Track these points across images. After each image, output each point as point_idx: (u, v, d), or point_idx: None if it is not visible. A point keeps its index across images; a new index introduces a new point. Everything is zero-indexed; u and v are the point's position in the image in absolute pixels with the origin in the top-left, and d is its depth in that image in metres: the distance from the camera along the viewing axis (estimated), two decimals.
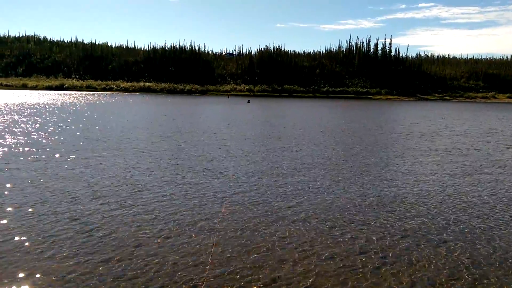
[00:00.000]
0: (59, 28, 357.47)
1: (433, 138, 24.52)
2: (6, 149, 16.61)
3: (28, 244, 7.30)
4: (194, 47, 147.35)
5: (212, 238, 7.77)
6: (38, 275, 6.20)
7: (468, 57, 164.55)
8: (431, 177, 13.64)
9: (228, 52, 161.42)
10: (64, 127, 25.38)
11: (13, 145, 17.51)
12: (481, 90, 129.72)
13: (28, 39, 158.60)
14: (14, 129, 23.41)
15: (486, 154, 18.85)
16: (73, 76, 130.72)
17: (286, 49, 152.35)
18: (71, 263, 6.62)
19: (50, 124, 26.62)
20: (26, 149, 16.70)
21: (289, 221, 8.91)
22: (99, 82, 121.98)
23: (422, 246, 7.75)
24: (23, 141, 18.90)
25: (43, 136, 20.91)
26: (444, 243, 7.93)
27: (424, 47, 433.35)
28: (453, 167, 15.37)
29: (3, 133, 21.56)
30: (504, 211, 10.03)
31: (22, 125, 25.66)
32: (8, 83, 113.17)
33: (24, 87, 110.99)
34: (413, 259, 7.17)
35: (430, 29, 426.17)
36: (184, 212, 9.24)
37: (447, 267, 6.88)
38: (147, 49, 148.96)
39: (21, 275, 6.20)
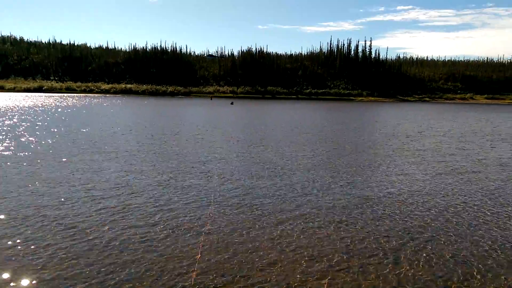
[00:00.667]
0: (36, 29, 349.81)
1: (420, 139, 24.95)
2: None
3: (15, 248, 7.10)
4: (176, 48, 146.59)
5: (199, 241, 7.71)
6: (24, 279, 6.04)
7: (446, 59, 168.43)
8: (420, 176, 13.88)
9: (209, 54, 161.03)
10: (54, 130, 24.84)
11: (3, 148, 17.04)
12: (459, 91, 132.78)
13: (4, 40, 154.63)
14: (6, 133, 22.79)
15: (472, 154, 19.30)
16: (52, 78, 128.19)
17: (268, 50, 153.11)
18: (56, 266, 6.47)
19: (37, 128, 26.01)
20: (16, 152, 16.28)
21: (276, 222, 8.92)
22: (79, 83, 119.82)
23: (410, 245, 7.87)
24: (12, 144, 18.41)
25: (31, 140, 20.42)
26: (432, 241, 8.07)
27: (403, 49, 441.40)
28: (442, 166, 15.69)
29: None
30: (492, 208, 10.28)
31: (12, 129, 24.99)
32: None
33: (1, 89, 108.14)
34: (401, 258, 7.27)
35: (409, 32, 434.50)
36: (170, 215, 9.15)
37: (437, 267, 7.00)
38: (128, 50, 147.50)
39: (11, 279, 6.03)
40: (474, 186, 12.71)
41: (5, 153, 16.26)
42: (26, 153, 16.21)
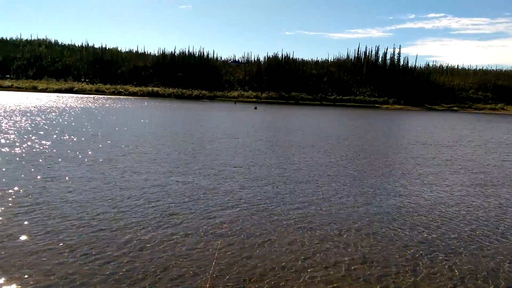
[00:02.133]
0: (70, 32, 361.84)
1: (453, 149, 24.41)
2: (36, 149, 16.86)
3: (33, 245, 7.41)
4: (203, 53, 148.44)
5: (216, 244, 7.82)
6: (40, 276, 6.30)
7: (478, 68, 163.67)
8: (456, 187, 13.61)
9: (234, 60, 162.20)
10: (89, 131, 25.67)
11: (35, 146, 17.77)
12: (489, 101, 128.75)
13: (39, 43, 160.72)
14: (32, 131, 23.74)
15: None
16: (82, 80, 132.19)
17: (294, 56, 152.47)
18: (75, 263, 6.71)
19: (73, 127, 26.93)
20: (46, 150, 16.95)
21: (293, 228, 8.95)
22: (108, 86, 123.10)
23: (431, 256, 7.75)
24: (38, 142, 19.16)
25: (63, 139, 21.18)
26: (454, 253, 7.91)
27: (433, 57, 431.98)
28: (478, 178, 15.34)
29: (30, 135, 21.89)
30: None
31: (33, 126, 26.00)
32: (18, 85, 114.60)
33: (34, 89, 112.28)
34: (419, 269, 7.17)
35: (439, 40, 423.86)
36: (190, 216, 9.32)
37: (453, 280, 6.87)
38: (157, 54, 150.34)
39: (25, 276, 6.30)
40: None
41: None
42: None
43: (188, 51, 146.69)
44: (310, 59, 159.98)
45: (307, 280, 6.55)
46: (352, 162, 18.21)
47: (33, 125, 27.12)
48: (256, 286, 6.31)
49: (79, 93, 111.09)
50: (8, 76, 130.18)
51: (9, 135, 21.18)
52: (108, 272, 6.49)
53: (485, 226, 9.73)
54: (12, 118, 30.84)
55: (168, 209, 9.80)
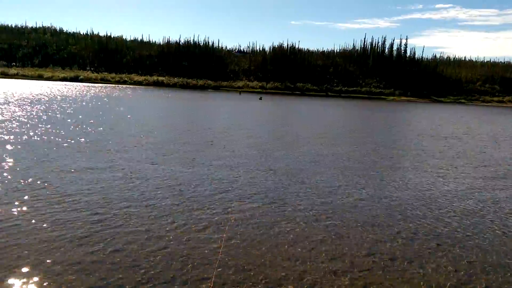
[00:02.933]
0: (75, 20, 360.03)
1: (462, 141, 24.26)
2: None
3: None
4: (208, 42, 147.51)
5: (222, 234, 7.82)
6: (48, 263, 6.32)
7: (485, 60, 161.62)
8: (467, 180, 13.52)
9: (238, 50, 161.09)
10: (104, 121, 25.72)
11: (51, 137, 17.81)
12: (497, 94, 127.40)
13: (44, 30, 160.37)
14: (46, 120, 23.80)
15: None
16: (88, 68, 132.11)
17: (300, 47, 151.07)
18: (81, 252, 6.73)
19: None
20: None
21: (300, 220, 8.92)
22: (113, 74, 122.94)
23: (434, 249, 7.70)
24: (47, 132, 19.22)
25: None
26: (459, 246, 7.86)
27: (440, 48, 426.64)
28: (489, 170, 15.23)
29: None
30: None
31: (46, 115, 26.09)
32: (24, 73, 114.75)
33: (40, 77, 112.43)
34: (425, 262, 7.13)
35: (447, 31, 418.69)
36: (196, 206, 9.32)
37: (459, 272, 6.83)
38: (161, 43, 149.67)
39: (30, 262, 6.33)
40: None
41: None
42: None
43: (193, 40, 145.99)
44: (316, 49, 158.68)
45: (312, 272, 6.53)
46: (362, 153, 18.12)
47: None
48: (261, 279, 6.30)
49: (85, 82, 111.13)
50: (14, 64, 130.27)
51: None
52: (113, 262, 6.50)
53: (495, 219, 9.64)
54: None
55: (174, 198, 9.80)
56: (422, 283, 6.36)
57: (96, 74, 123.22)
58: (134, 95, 62.28)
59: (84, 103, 38.15)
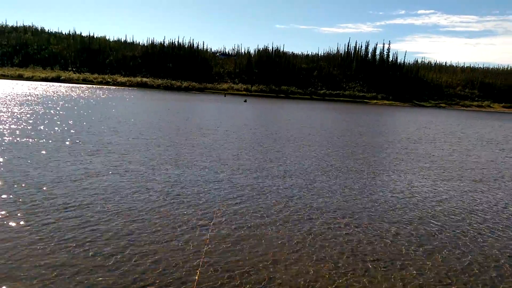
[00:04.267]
0: (57, 20, 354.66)
1: (446, 144, 24.70)
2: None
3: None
4: (193, 44, 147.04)
5: (206, 236, 7.77)
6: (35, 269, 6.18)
7: (465, 66, 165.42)
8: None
9: (222, 53, 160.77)
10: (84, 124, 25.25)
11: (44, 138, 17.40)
12: (476, 98, 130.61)
13: (25, 30, 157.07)
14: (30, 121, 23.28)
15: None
16: (69, 69, 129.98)
17: (285, 50, 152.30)
18: (64, 255, 6.60)
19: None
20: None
21: (283, 221, 8.93)
22: (96, 75, 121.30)
23: (419, 250, 7.82)
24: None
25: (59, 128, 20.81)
26: (440, 247, 8.00)
27: (421, 53, 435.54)
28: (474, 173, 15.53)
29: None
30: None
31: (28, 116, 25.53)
32: (3, 73, 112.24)
33: (20, 77, 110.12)
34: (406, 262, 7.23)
35: (429, 36, 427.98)
36: (179, 209, 9.25)
37: (442, 272, 6.94)
38: (146, 44, 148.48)
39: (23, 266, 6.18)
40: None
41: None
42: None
43: (178, 41, 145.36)
44: (300, 52, 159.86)
45: (298, 274, 6.55)
46: (346, 156, 18.29)
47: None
48: (246, 278, 6.28)
49: (66, 82, 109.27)
50: None
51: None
52: (96, 265, 6.39)
53: (485, 221, 9.84)
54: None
55: (157, 200, 9.70)
56: None
57: (78, 75, 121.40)
58: (130, 98, 61.47)
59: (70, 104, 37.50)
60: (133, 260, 6.62)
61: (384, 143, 24.19)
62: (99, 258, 6.58)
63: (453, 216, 10.14)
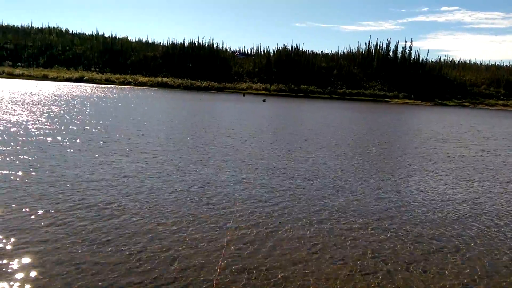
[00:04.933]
0: (81, 21, 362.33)
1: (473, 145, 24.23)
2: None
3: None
4: (213, 44, 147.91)
5: (225, 235, 7.86)
6: (48, 262, 6.39)
7: (490, 64, 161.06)
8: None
9: (241, 52, 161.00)
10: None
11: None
12: (501, 97, 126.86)
13: (50, 31, 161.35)
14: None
15: None
16: (92, 69, 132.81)
17: (304, 49, 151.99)
18: (84, 252, 6.80)
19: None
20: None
21: (303, 222, 8.96)
22: (118, 75, 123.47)
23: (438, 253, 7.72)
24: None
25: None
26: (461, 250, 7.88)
27: (445, 51, 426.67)
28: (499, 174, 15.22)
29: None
30: None
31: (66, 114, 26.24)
32: (29, 74, 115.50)
33: (45, 78, 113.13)
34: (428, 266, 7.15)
35: (452, 33, 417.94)
36: (200, 207, 9.38)
37: (461, 276, 6.84)
38: (166, 44, 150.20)
39: (29, 260, 6.41)
40: None
41: None
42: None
43: (198, 41, 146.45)
44: (320, 51, 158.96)
45: (315, 274, 6.57)
46: (369, 157, 18.15)
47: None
48: (265, 279, 6.34)
49: (89, 83, 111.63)
50: (20, 64, 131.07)
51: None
52: (117, 262, 6.56)
53: (500, 224, 9.64)
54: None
55: (178, 199, 9.87)
56: None
57: (100, 75, 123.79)
58: (153, 99, 62.38)
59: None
60: (152, 259, 6.76)
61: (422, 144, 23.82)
62: (119, 256, 6.75)
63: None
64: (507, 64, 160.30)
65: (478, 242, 8.43)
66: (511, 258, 7.71)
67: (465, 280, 6.71)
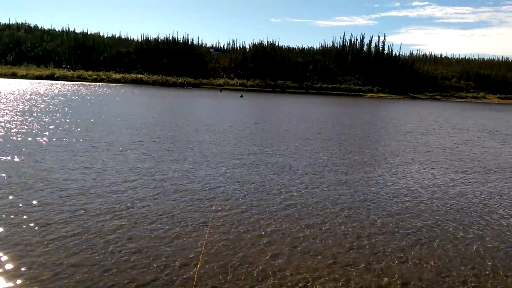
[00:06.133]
0: (50, 17, 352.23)
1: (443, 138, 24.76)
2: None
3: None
4: (188, 39, 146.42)
5: (204, 233, 7.76)
6: (32, 267, 6.15)
7: (460, 57, 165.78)
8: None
9: (216, 48, 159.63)
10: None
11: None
12: (471, 90, 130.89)
13: (18, 27, 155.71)
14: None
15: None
16: (64, 66, 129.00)
17: (280, 44, 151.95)
18: (62, 255, 6.57)
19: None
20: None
21: (280, 216, 8.94)
22: (90, 72, 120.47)
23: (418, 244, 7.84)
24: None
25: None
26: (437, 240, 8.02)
27: (417, 45, 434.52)
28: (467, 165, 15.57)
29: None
30: None
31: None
32: None
33: (14, 75, 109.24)
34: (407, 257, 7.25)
35: (423, 28, 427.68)
36: (179, 205, 9.23)
37: (439, 265, 6.97)
38: (140, 40, 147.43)
39: (20, 267, 6.15)
40: None
41: None
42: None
43: (172, 37, 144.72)
44: (295, 46, 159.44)
45: (295, 268, 6.55)
46: (342, 150, 18.31)
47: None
48: (244, 275, 6.28)
49: (60, 80, 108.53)
50: None
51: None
52: (95, 263, 6.37)
53: (474, 213, 9.89)
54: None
55: (156, 197, 9.68)
56: None
57: (72, 72, 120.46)
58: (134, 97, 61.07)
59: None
60: (133, 256, 6.59)
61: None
62: (97, 257, 6.55)
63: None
64: (476, 57, 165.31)
65: None
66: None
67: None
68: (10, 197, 9.14)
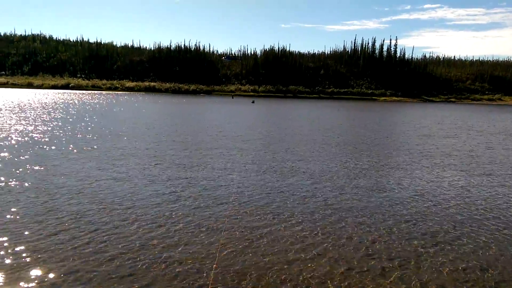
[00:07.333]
0: (65, 27, 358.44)
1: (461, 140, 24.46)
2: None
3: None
4: (199, 47, 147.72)
5: (218, 238, 7.78)
6: (43, 268, 6.24)
7: (474, 59, 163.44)
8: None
9: (227, 55, 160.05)
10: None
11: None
12: (486, 92, 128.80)
13: (34, 38, 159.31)
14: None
15: None
16: (78, 75, 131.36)
17: (291, 49, 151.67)
18: (76, 261, 6.65)
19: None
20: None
21: (296, 221, 8.90)
22: (104, 81, 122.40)
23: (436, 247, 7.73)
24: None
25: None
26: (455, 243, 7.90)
27: (429, 48, 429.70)
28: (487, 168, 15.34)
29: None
30: None
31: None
32: (14, 82, 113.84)
33: (30, 86, 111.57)
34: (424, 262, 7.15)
35: (435, 31, 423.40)
36: (192, 210, 9.27)
37: (454, 271, 6.86)
38: (152, 48, 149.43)
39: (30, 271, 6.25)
40: None
41: None
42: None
43: (184, 45, 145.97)
44: (306, 51, 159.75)
45: (310, 274, 6.52)
46: (360, 154, 18.20)
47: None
48: (259, 280, 6.26)
49: (75, 89, 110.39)
50: (4, 72, 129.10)
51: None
52: (110, 269, 6.43)
53: (491, 218, 9.72)
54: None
55: (172, 203, 9.75)
56: None
57: (87, 81, 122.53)
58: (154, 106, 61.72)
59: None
60: (146, 265, 6.64)
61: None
62: (112, 263, 6.62)
63: None
64: (490, 59, 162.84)
65: None
66: None
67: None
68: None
